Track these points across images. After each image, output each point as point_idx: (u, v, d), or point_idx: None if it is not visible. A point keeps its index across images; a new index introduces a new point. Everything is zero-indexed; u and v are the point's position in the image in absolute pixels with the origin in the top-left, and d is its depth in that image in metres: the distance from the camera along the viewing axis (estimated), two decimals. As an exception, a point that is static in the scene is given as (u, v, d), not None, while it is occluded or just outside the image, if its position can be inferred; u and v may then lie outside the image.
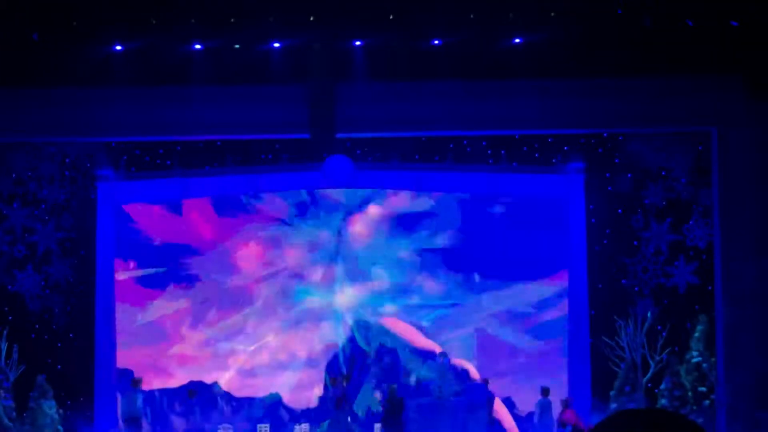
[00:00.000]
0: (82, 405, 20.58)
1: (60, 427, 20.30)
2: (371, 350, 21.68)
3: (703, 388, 20.15)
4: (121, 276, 21.53)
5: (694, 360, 20.36)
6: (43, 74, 18.99)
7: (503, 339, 21.69)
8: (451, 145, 21.24)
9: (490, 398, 20.46)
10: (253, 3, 18.66)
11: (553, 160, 21.23)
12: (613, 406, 19.91)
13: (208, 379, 21.62)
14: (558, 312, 21.51)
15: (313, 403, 21.48)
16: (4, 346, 20.37)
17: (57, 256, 21.00)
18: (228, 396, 21.53)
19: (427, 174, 21.39)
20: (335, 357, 21.64)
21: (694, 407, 19.89)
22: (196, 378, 21.59)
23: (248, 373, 21.75)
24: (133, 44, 19.01)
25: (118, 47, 19.14)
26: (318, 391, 21.52)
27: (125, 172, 21.19)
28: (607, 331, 20.63)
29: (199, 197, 21.74)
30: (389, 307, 21.76)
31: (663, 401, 19.98)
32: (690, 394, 20.17)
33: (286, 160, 21.18)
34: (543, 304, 21.66)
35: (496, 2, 18.68)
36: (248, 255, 21.89)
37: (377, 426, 20.44)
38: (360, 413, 21.08)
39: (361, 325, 21.75)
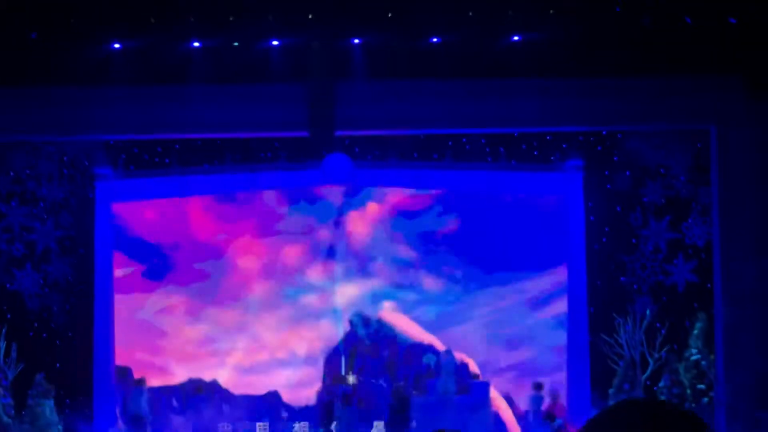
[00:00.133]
0: (80, 403, 20.57)
1: (59, 426, 20.30)
2: (372, 346, 21.68)
3: (702, 386, 20.17)
4: (119, 274, 21.53)
5: (693, 358, 20.37)
6: (41, 73, 18.93)
7: (502, 336, 21.71)
8: (450, 143, 21.25)
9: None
10: (252, 1, 18.64)
11: (552, 158, 21.22)
12: (612, 403, 19.91)
13: (206, 377, 21.62)
14: (557, 309, 21.53)
15: (313, 401, 21.48)
16: (3, 345, 20.35)
17: (56, 255, 20.99)
18: (227, 394, 21.54)
19: (426, 172, 21.40)
20: (336, 354, 21.64)
21: (693, 405, 19.90)
22: (195, 376, 21.59)
23: (247, 370, 21.76)
24: (132, 43, 18.98)
25: (117, 46, 19.11)
26: (318, 388, 21.52)
27: (124, 171, 21.18)
28: (606, 329, 20.63)
29: (197, 195, 21.74)
30: (388, 304, 21.79)
31: (662, 399, 20.01)
32: (689, 391, 20.19)
33: (285, 158, 21.17)
34: (542, 302, 21.68)
35: (495, 1, 18.67)
36: (247, 252, 21.90)
37: (381, 424, 20.43)
38: (365, 411, 21.04)
39: (361, 322, 21.76)
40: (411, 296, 21.80)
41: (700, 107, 19.54)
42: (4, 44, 18.55)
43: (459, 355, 21.45)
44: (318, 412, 21.09)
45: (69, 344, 20.84)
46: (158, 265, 21.76)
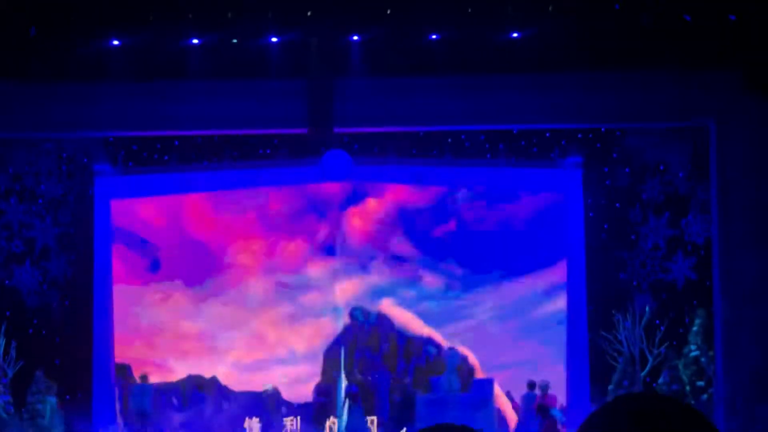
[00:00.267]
0: (80, 400, 20.57)
1: (58, 422, 20.30)
2: (371, 340, 21.68)
3: (701, 383, 20.18)
4: (118, 271, 21.52)
5: (692, 354, 20.37)
6: (40, 69, 18.93)
7: (501, 332, 21.72)
8: (449, 140, 21.23)
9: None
10: (251, -2, 18.66)
11: (551, 155, 21.21)
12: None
13: (206, 373, 21.62)
14: (556, 306, 21.53)
15: (311, 397, 21.49)
16: (2, 342, 20.35)
17: (55, 252, 20.98)
18: (226, 390, 21.54)
19: (425, 168, 21.38)
20: (335, 348, 21.61)
21: (692, 401, 19.91)
22: (194, 372, 21.60)
23: (246, 367, 21.76)
24: (131, 39, 18.96)
25: (116, 42, 19.09)
26: (317, 383, 21.53)
27: (123, 168, 21.17)
28: (605, 326, 20.63)
29: (196, 192, 21.73)
30: (388, 301, 21.79)
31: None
32: (688, 388, 20.19)
33: (284, 155, 21.17)
34: (541, 298, 21.69)
35: (494, -3, 18.68)
36: (246, 249, 21.90)
37: (375, 419, 20.44)
38: (369, 409, 21.03)
39: (361, 315, 21.76)
40: (410, 293, 21.81)
41: (699, 103, 19.53)
42: (2, 40, 18.53)
43: (459, 348, 21.48)
44: (318, 410, 21.08)
45: (68, 341, 20.83)
46: (157, 262, 21.75)
